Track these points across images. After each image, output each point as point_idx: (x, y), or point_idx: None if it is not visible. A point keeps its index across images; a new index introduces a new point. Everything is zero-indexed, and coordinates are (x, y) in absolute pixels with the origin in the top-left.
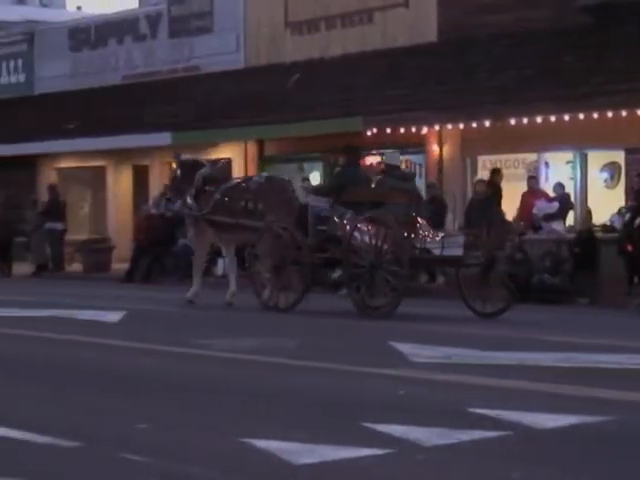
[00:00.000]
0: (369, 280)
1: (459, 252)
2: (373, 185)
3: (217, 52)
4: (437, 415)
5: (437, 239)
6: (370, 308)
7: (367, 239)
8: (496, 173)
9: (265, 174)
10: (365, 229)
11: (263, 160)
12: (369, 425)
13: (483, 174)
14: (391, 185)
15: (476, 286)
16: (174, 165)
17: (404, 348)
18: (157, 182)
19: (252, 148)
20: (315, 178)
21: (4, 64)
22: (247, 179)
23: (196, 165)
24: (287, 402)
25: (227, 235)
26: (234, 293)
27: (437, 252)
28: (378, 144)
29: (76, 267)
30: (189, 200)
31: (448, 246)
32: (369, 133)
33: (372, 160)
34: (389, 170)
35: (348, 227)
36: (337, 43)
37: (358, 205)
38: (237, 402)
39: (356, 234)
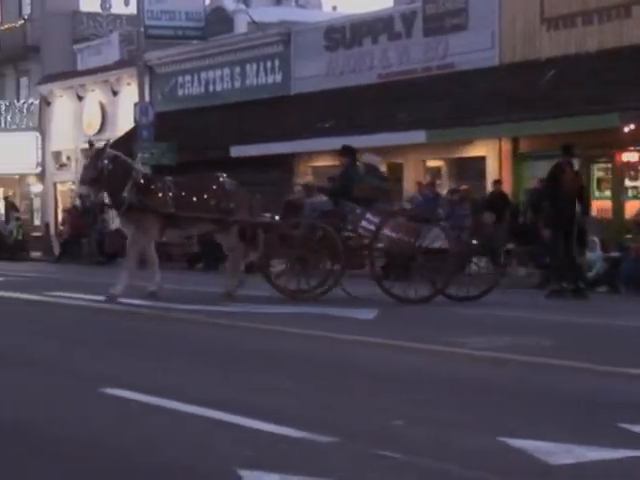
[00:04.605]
0: (405, 270)
1: (444, 244)
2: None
3: (472, 49)
4: None
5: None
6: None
7: (391, 233)
8: None
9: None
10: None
11: (517, 157)
12: (626, 426)
13: None
14: (375, 184)
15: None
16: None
17: None
18: (411, 180)
19: (506, 145)
20: None
21: (261, 65)
22: (212, 179)
23: (124, 162)
24: (543, 401)
25: (176, 231)
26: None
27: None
28: (636, 140)
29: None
30: (129, 195)
31: (435, 239)
32: (626, 129)
33: (629, 157)
34: (369, 170)
35: (369, 221)
36: (594, 38)
37: (356, 202)
38: (492, 400)
39: (365, 225)
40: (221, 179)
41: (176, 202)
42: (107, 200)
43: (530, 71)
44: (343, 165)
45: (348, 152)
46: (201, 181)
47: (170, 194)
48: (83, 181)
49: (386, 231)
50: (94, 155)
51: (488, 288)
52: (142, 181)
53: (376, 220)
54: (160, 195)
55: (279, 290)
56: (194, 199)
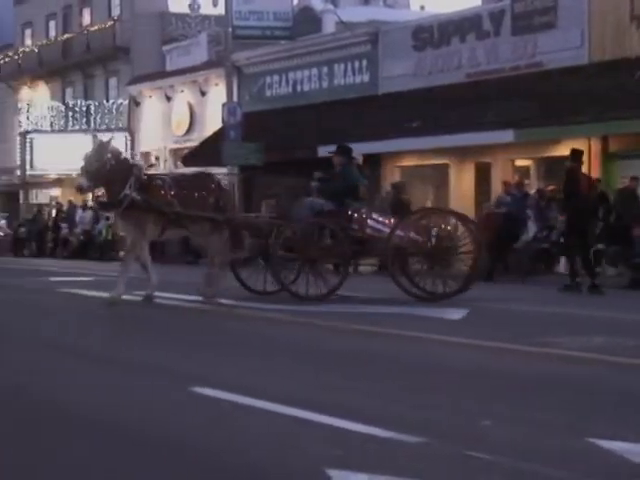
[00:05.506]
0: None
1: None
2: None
3: (561, 48)
4: None
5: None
6: (429, 293)
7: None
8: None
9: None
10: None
11: (607, 157)
12: None
13: None
14: (365, 183)
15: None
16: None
17: None
18: (499, 180)
19: (596, 144)
20: None
21: (349, 65)
22: (208, 176)
23: (125, 158)
24: (632, 402)
25: (175, 230)
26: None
27: None
28: None
29: None
30: (131, 192)
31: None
32: None
33: None
34: (358, 169)
35: (376, 221)
36: None
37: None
38: (581, 400)
39: (372, 225)
40: (216, 177)
41: (179, 200)
42: (104, 198)
43: (620, 70)
44: (340, 165)
45: (345, 152)
46: (199, 178)
47: (172, 192)
48: (85, 172)
49: (398, 231)
50: (97, 148)
51: (463, 285)
52: (144, 178)
53: (382, 219)
54: (163, 193)
55: (247, 289)
56: (195, 197)
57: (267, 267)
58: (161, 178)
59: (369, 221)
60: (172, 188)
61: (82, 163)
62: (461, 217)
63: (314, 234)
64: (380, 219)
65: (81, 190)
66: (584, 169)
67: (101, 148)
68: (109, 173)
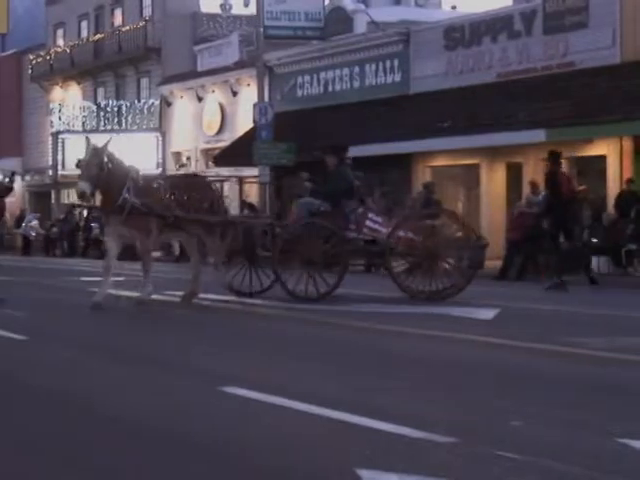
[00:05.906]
0: (428, 267)
1: None
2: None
3: (592, 47)
4: None
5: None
6: (423, 292)
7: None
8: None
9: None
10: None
11: (639, 156)
12: None
13: None
14: (357, 183)
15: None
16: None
17: None
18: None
19: (627, 144)
20: None
21: (380, 64)
22: (200, 178)
23: (120, 161)
24: None
25: (172, 233)
26: (151, 292)
27: None
28: None
29: None
30: (130, 196)
31: None
32: None
33: None
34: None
35: (373, 221)
36: None
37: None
38: (614, 401)
39: (369, 225)
40: (207, 179)
41: (176, 202)
42: (99, 202)
43: None
44: (334, 165)
45: (339, 152)
46: (192, 181)
47: (167, 195)
48: (86, 178)
49: (400, 232)
50: (93, 152)
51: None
52: (141, 182)
53: (379, 219)
54: (160, 196)
55: (232, 291)
56: (190, 199)
57: (252, 268)
58: (157, 181)
59: (367, 221)
60: (168, 190)
61: (79, 169)
62: (457, 216)
63: (311, 234)
64: (377, 219)
65: (83, 196)
66: (617, 168)
67: (97, 153)
68: (108, 177)
